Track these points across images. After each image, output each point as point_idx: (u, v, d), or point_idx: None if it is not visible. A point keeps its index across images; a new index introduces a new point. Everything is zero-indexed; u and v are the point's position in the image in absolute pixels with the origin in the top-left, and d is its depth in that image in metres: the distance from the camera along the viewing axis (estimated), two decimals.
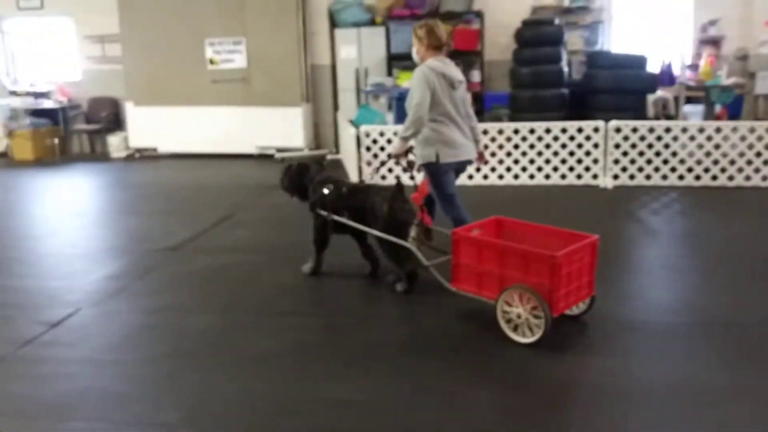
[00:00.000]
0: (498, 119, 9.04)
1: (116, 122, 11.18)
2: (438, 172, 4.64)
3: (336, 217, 4.58)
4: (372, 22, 10.21)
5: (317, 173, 4.84)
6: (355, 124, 8.52)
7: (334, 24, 10.35)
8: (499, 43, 10.22)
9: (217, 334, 4.03)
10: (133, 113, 10.74)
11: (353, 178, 8.03)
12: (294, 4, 9.97)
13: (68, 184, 9.22)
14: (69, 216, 7.34)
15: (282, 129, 10.29)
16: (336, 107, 10.66)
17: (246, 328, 4.10)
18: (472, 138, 4.79)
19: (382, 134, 8.06)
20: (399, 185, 4.39)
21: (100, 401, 3.24)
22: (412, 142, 4.65)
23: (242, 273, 5.08)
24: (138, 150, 10.88)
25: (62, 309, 4.43)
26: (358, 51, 10.26)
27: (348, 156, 8.78)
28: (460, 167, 4.80)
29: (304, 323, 4.12)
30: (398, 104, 8.68)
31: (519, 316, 3.68)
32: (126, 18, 10.46)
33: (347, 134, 8.67)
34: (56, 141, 11.04)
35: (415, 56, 4.77)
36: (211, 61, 10.32)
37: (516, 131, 7.83)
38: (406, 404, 3.13)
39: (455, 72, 4.65)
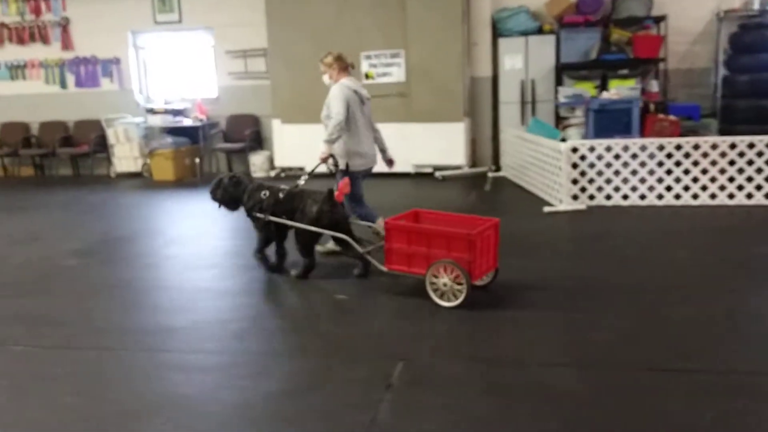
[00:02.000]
0: (692, 132, 8.23)
1: (257, 141, 10.64)
2: (351, 177, 5.31)
3: (272, 218, 5.09)
4: (540, 31, 9.52)
5: (249, 182, 5.35)
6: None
7: (497, 33, 9.69)
8: (677, 51, 9.43)
9: (609, 400, 3.28)
10: (279, 131, 10.17)
11: (565, 200, 7.28)
12: (459, 14, 9.32)
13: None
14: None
15: (441, 146, 9.61)
16: (495, 122, 9.97)
17: (630, 390, 3.34)
18: (376, 148, 5.69)
19: (592, 149, 7.30)
20: (330, 191, 4.98)
21: None
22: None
23: (573, 318, 4.33)
24: (283, 169, 10.30)
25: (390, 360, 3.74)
26: (524, 61, 9.57)
27: (536, 174, 8.03)
28: (367, 172, 5.64)
29: (713, 383, 3.34)
30: (596, 116, 7.93)
31: (445, 285, 4.43)
32: (274, 31, 9.94)
33: (536, 149, 7.92)
34: (197, 160, 10.54)
35: (327, 80, 5.56)
36: (367, 75, 9.71)
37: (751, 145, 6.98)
38: None
39: (364, 90, 5.58)
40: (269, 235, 5.23)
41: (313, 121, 9.99)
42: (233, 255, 6.15)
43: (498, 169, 9.71)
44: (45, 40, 11.12)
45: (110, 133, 10.78)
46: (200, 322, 4.47)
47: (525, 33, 9.48)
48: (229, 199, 5.34)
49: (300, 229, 5.00)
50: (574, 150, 7.30)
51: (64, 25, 11.00)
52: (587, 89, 8.79)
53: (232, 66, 10.59)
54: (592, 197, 7.34)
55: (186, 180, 10.39)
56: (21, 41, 11.19)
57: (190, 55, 11.02)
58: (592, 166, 7.28)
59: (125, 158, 10.85)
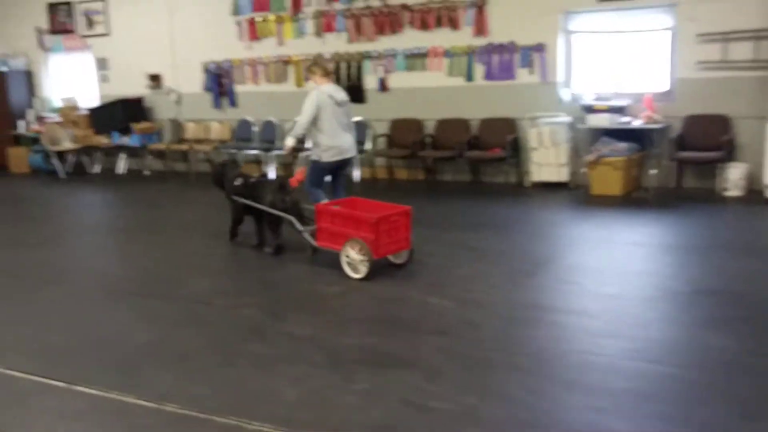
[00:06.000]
0: None
1: (728, 149, 8.23)
2: (316, 168, 6.53)
3: (243, 200, 6.29)
4: None
5: (231, 170, 6.64)
6: None
7: None
8: None
9: None
10: None
11: None
12: None
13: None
14: None
15: None
16: None
17: None
18: (353, 142, 6.62)
19: None
20: (281, 182, 6.22)
21: None
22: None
23: None
24: None
25: None
26: None
27: None
28: (340, 164, 6.56)
29: None
30: None
31: (354, 260, 5.41)
32: None
33: None
34: (652, 172, 8.40)
35: (312, 84, 6.57)
36: None
37: None
38: None
39: (341, 95, 6.50)
40: (242, 216, 6.49)
41: None
42: None
43: None
44: (454, 24, 9.56)
45: (532, 135, 9.00)
46: None
47: None
48: (219, 184, 6.68)
49: (264, 212, 6.11)
50: None
51: (480, 6, 9.37)
52: None
53: (702, 53, 8.27)
54: None
55: (636, 196, 8.33)
56: (425, 26, 9.75)
57: (634, 41, 8.87)
58: None
59: (547, 165, 9.01)
